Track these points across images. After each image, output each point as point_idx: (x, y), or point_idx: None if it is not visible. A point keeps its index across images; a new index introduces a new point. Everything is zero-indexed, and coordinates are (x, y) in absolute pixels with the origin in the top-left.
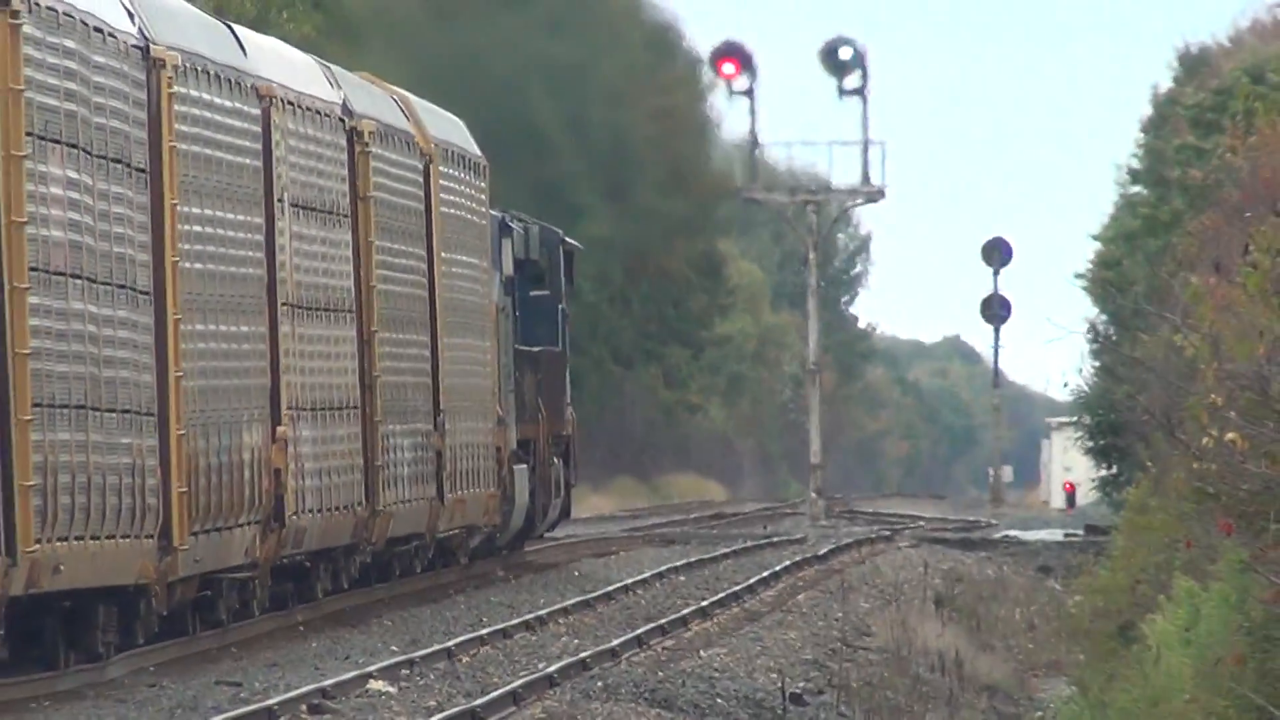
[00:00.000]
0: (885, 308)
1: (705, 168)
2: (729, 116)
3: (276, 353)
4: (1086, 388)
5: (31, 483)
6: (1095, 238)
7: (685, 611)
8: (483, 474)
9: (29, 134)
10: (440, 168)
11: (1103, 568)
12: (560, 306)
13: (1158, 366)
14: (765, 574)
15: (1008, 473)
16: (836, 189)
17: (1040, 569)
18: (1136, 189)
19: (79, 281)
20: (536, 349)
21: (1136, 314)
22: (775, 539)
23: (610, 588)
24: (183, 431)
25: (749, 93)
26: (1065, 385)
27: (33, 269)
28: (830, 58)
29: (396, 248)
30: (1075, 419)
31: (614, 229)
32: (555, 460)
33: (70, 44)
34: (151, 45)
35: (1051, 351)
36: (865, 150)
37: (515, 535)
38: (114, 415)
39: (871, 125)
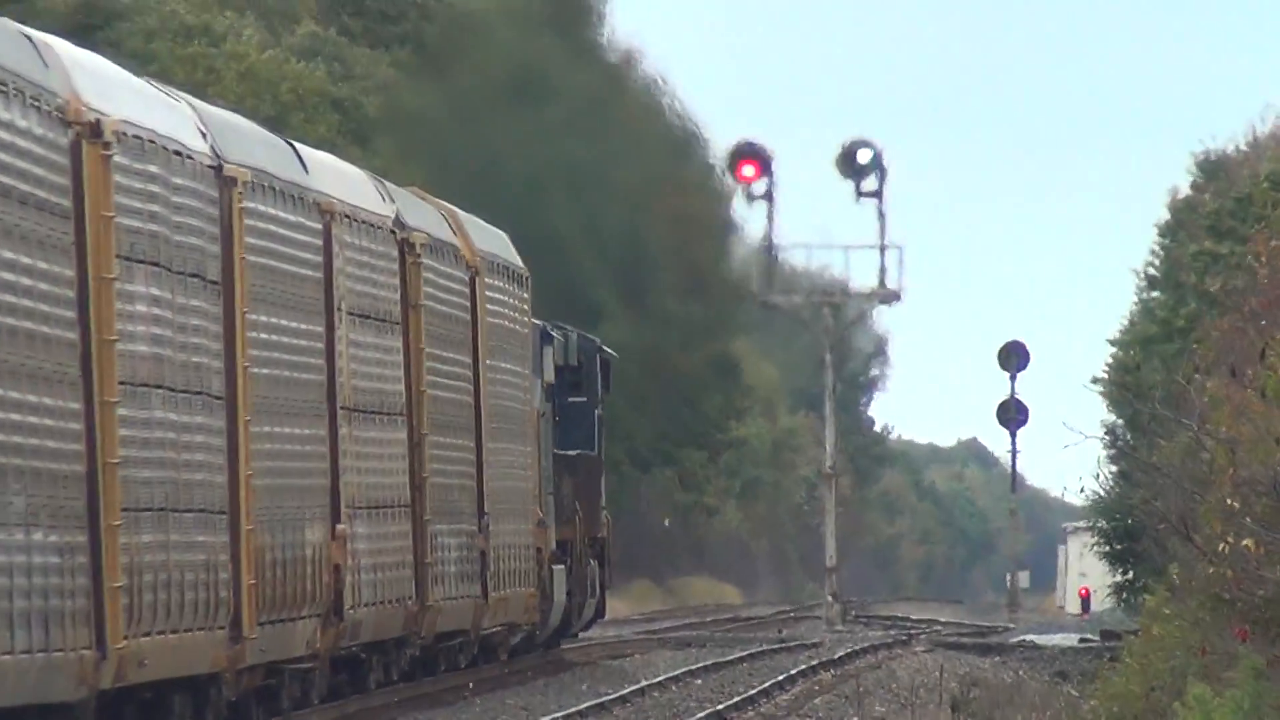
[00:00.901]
0: (902, 410)
1: (723, 272)
2: (747, 219)
3: (336, 454)
4: (1103, 493)
5: (120, 583)
6: (1112, 342)
7: (701, 715)
8: (524, 574)
9: (118, 256)
10: (485, 279)
11: (1118, 673)
12: (597, 413)
13: (1174, 472)
14: (781, 678)
15: (1024, 577)
16: (854, 292)
17: (1056, 674)
18: (1153, 294)
19: (160, 391)
20: (574, 453)
21: (1153, 419)
22: (791, 643)
23: (626, 690)
24: (252, 528)
25: (767, 195)
26: (1082, 490)
27: (121, 383)
28: (848, 161)
29: (445, 355)
30: (1091, 524)
31: (632, 332)
32: (591, 561)
33: (154, 169)
34: (224, 164)
35: (1068, 456)
36: (882, 253)
37: (553, 633)
38: (191, 515)
39: (889, 227)
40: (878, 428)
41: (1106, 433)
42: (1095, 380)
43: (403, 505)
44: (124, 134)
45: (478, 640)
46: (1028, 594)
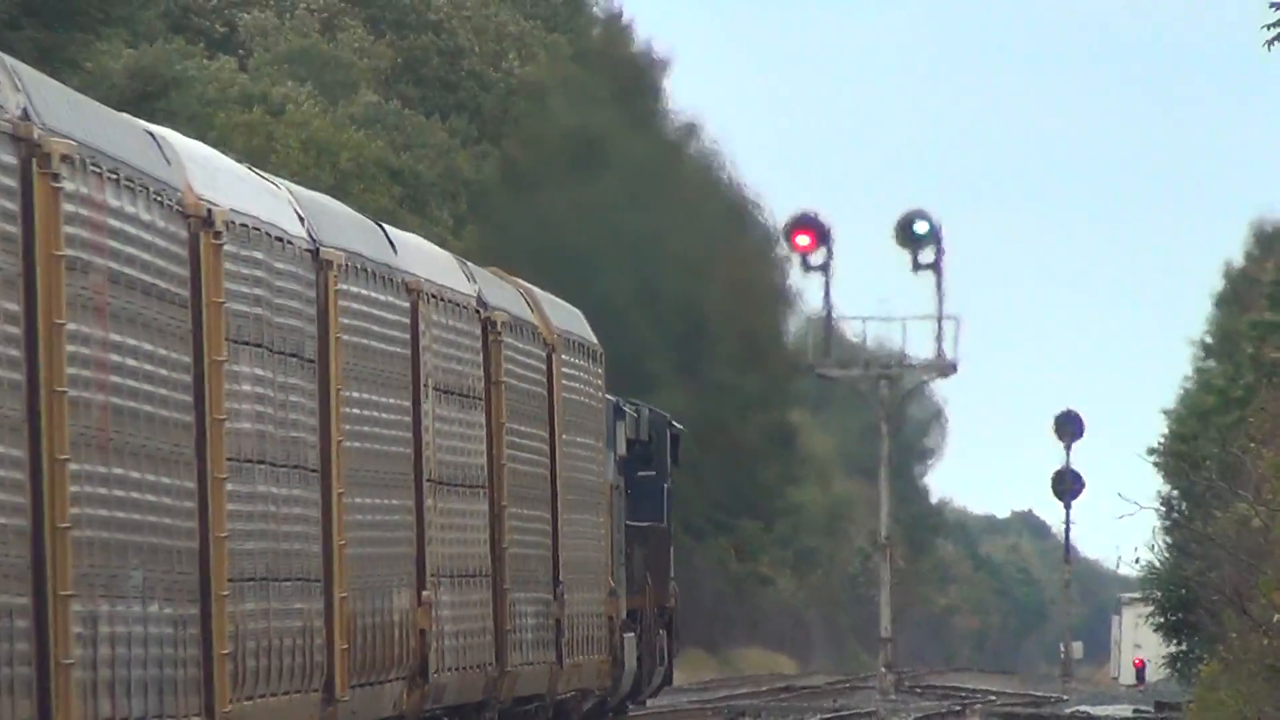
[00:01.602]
0: (958, 481)
1: (779, 342)
2: (804, 289)
3: (422, 524)
4: (1158, 563)
5: (226, 650)
6: (1167, 413)
7: None
8: (596, 641)
9: (226, 339)
10: (561, 355)
11: None
12: (666, 485)
13: (1229, 543)
14: None
15: (1078, 648)
16: (910, 364)
17: None
18: (1210, 364)
19: (263, 466)
20: (645, 525)
21: (1209, 490)
22: (845, 713)
23: None
24: (345, 595)
25: (824, 266)
26: (1136, 561)
27: (228, 459)
28: (905, 232)
29: (524, 429)
30: (1146, 595)
31: (688, 401)
32: (660, 630)
33: (258, 254)
34: (320, 247)
35: (1123, 526)
36: (939, 324)
37: (622, 699)
38: (289, 583)
39: (946, 298)
40: (933, 498)
41: (1162, 503)
42: (1150, 451)
43: (484, 574)
44: (232, 222)
45: (553, 704)
46: (1081, 664)
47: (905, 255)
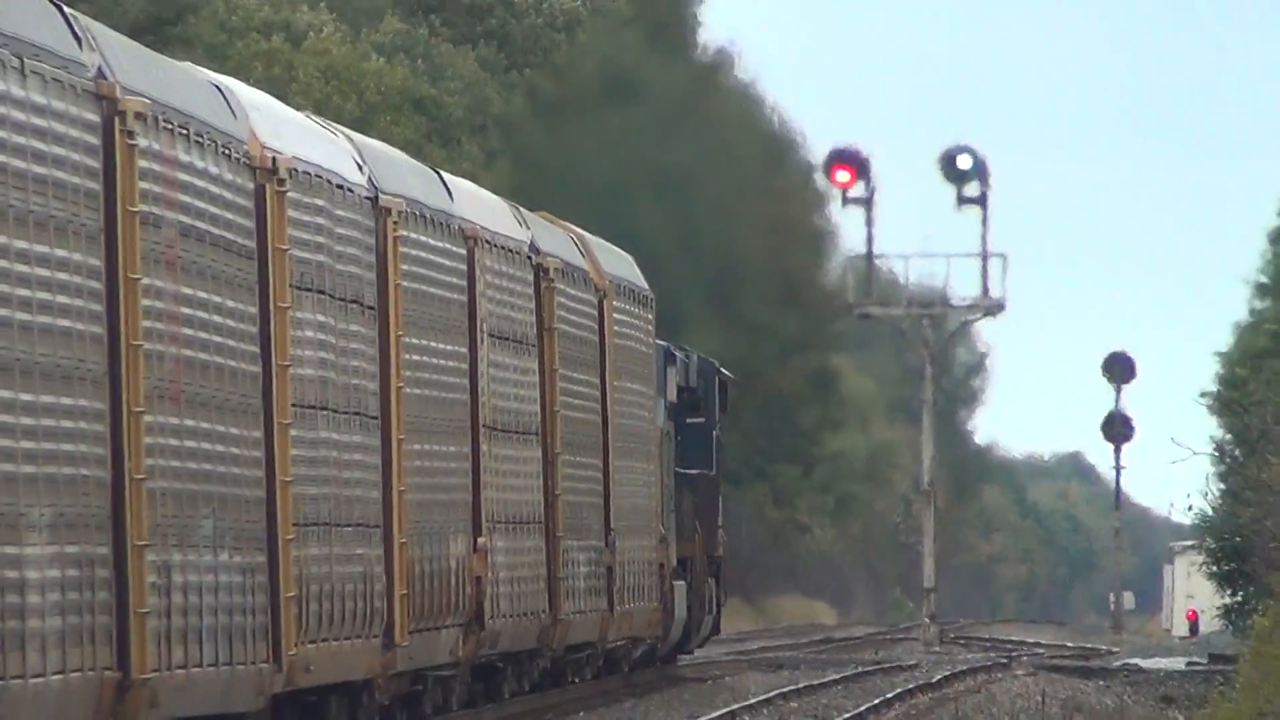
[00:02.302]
0: (1003, 424)
1: (818, 282)
2: (844, 226)
3: (478, 471)
4: (1211, 511)
5: (291, 594)
6: (1220, 355)
7: None
8: (647, 589)
9: (290, 286)
10: (613, 301)
11: (1227, 698)
12: (715, 433)
13: None
14: (877, 701)
15: (1128, 599)
16: (955, 303)
17: (1162, 699)
18: (1264, 304)
19: (325, 412)
20: (694, 472)
21: (1263, 435)
22: (886, 665)
23: (715, 714)
24: (404, 541)
25: (865, 201)
26: (1189, 508)
27: (292, 405)
28: (949, 166)
29: (575, 376)
30: (1199, 543)
31: (722, 344)
32: (709, 579)
33: (320, 202)
34: (380, 195)
35: (1175, 472)
36: (985, 262)
37: (672, 648)
38: (350, 529)
39: (991, 235)
40: (978, 442)
41: (1215, 449)
42: (1203, 394)
43: (537, 521)
44: (295, 170)
45: (603, 653)
46: (1132, 616)
47: (949, 190)
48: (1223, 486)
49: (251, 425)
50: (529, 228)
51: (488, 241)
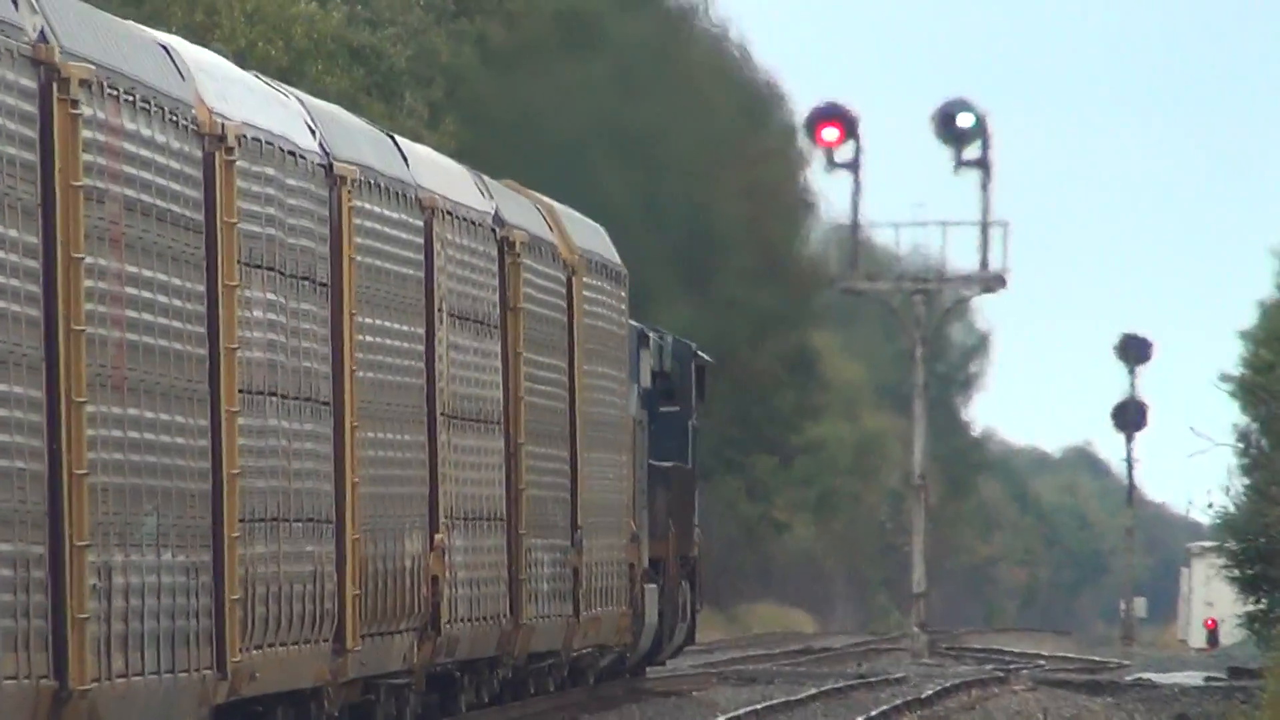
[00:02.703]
0: (1004, 412)
1: (800, 252)
2: (828, 192)
3: (435, 462)
4: (1233, 508)
5: (236, 596)
6: (1245, 335)
7: None
8: (616, 592)
9: (238, 262)
10: (583, 278)
11: (1249, 716)
12: (691, 423)
13: None
14: (860, 719)
15: (1141, 605)
16: (950, 276)
17: (1177, 717)
18: None
19: (274, 399)
20: (668, 465)
21: None
22: (871, 679)
23: None
24: (357, 537)
25: (852, 164)
26: (1209, 505)
27: (240, 391)
28: (946, 125)
29: (542, 360)
30: (1220, 544)
31: (693, 320)
32: (683, 582)
33: (270, 171)
34: (334, 162)
35: (1194, 466)
36: (985, 231)
37: (642, 657)
38: (300, 524)
39: (993, 203)
40: (975, 432)
41: (1238, 439)
42: (1225, 378)
43: (498, 517)
44: (244, 137)
45: (568, 662)
46: (1145, 624)
47: (946, 152)
48: (1246, 481)
49: (197, 413)
50: (492, 197)
51: (447, 212)
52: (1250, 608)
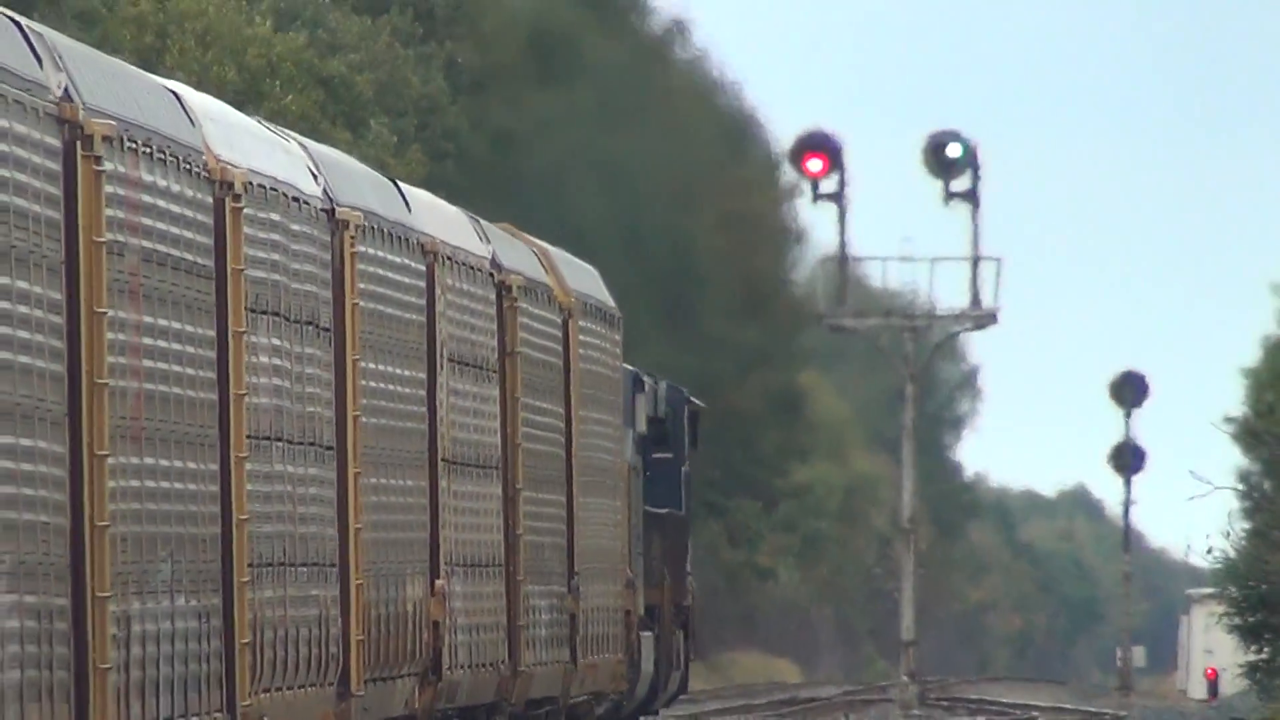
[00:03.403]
0: (995, 453)
1: (785, 287)
2: (813, 225)
3: (436, 507)
4: (1234, 554)
5: (246, 640)
6: (1246, 373)
7: None
8: (612, 639)
9: (245, 309)
10: (579, 321)
11: None
12: (684, 469)
13: None
14: None
15: (1139, 654)
16: (941, 313)
17: None
18: None
19: (280, 444)
20: (663, 512)
21: None
22: None
23: None
24: (361, 582)
25: (837, 196)
26: (1209, 550)
27: (247, 436)
28: (936, 155)
29: (539, 404)
30: (1220, 591)
31: (673, 357)
32: (677, 630)
33: (275, 217)
34: (336, 207)
35: (1194, 509)
36: (975, 267)
37: (637, 706)
38: (305, 569)
39: (983, 237)
40: (966, 474)
41: (1239, 482)
42: (1227, 420)
43: (496, 563)
44: (250, 184)
45: (565, 709)
46: (1143, 674)
47: (935, 184)
48: (1248, 526)
49: (208, 459)
50: (490, 241)
51: (448, 257)
52: (1252, 657)
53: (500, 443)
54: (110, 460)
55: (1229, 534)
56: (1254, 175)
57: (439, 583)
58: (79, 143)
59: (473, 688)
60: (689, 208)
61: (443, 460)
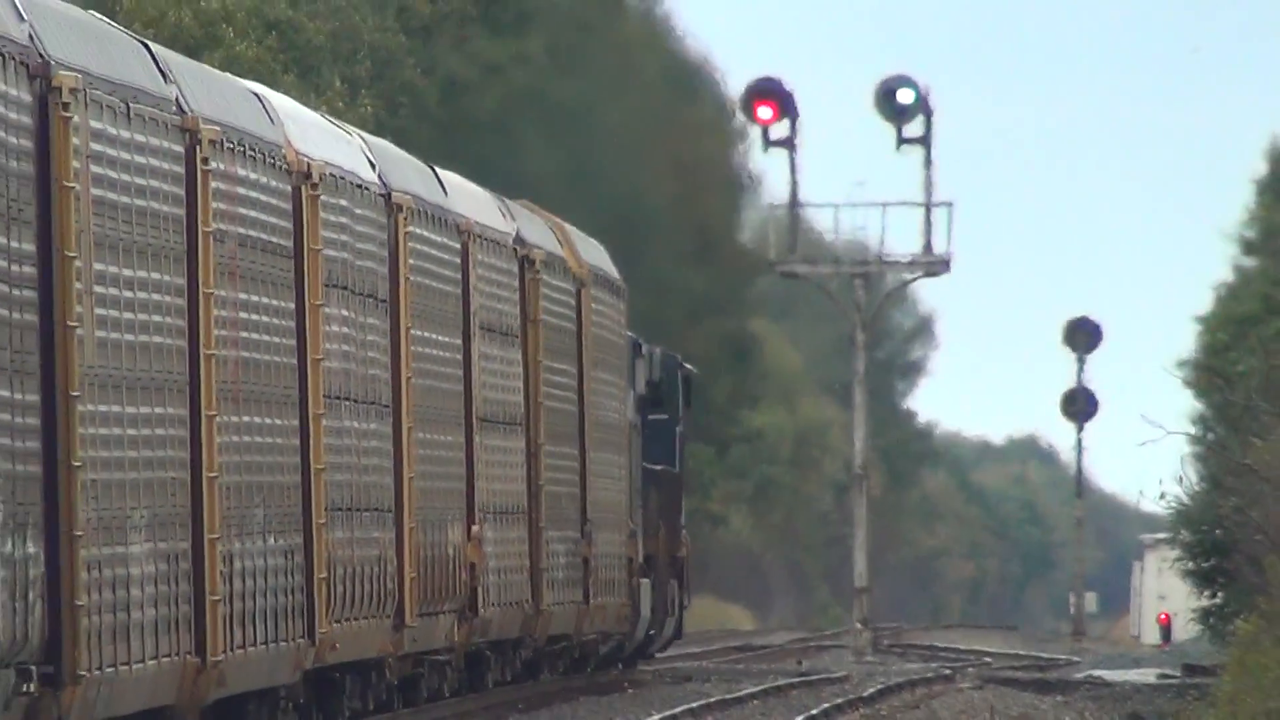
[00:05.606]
0: (948, 401)
1: (735, 234)
2: (765, 171)
3: (471, 460)
4: (1187, 499)
5: (323, 575)
6: (1200, 320)
7: None
8: (617, 584)
9: (321, 283)
10: (591, 291)
11: (1205, 715)
12: (678, 429)
13: (1273, 474)
14: (800, 718)
15: (1091, 600)
16: (891, 259)
17: (1130, 716)
18: (1249, 262)
19: (348, 402)
20: (659, 468)
21: (1248, 412)
22: (811, 677)
23: None
24: (413, 526)
25: (788, 142)
26: (1161, 496)
27: (324, 397)
28: (887, 100)
29: (557, 366)
30: (1173, 536)
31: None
32: (672, 580)
33: (344, 202)
34: (391, 192)
35: (1146, 455)
36: (928, 212)
37: (635, 649)
38: (368, 513)
39: (936, 182)
40: (919, 421)
41: (1193, 427)
42: (1180, 365)
43: (521, 512)
44: (325, 174)
45: (579, 645)
46: (1095, 619)
47: (887, 130)
48: (1201, 471)
49: (290, 416)
50: (514, 219)
51: (479, 235)
52: (1205, 602)
53: (523, 402)
54: (218, 419)
55: (1181, 479)
56: (1208, 121)
57: (475, 528)
58: (197, 148)
59: (502, 624)
60: (638, 153)
61: (477, 418)
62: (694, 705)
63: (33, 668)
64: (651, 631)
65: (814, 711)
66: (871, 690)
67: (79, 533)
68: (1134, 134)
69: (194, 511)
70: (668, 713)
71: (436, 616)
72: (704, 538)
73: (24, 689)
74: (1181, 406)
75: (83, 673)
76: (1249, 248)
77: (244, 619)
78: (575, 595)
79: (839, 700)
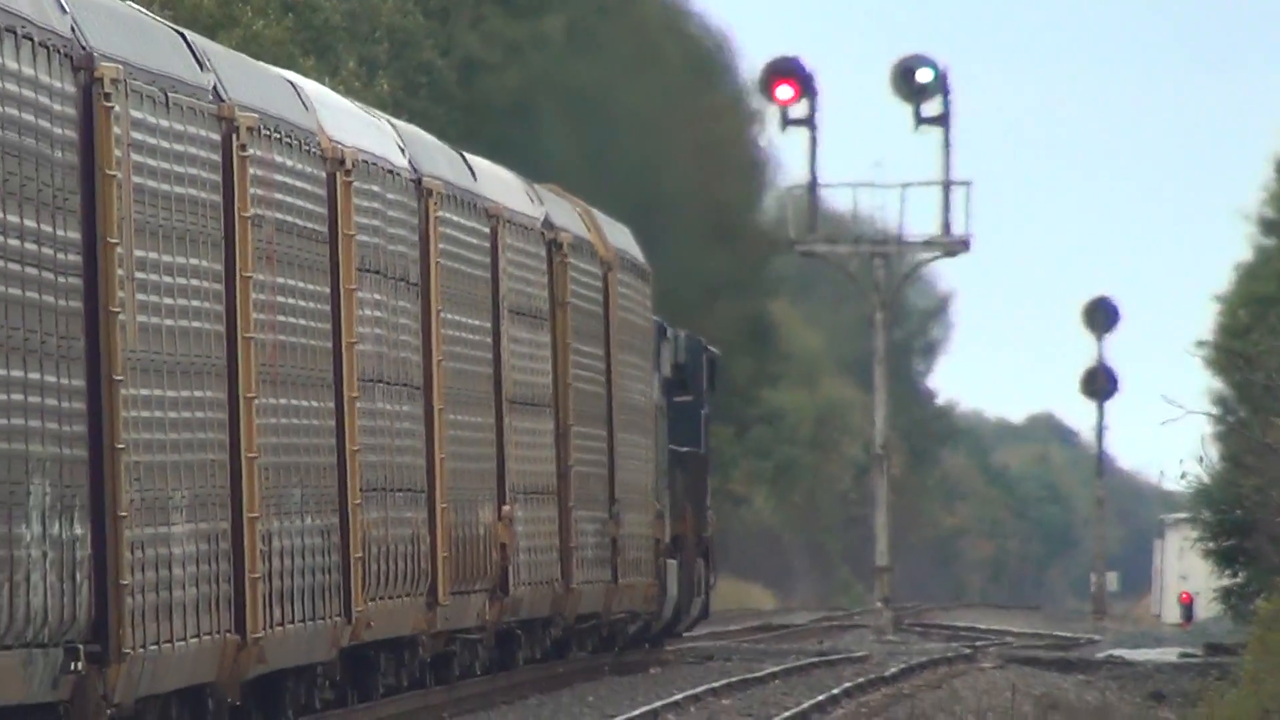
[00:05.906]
0: (968, 380)
1: (755, 215)
2: (784, 152)
3: (502, 441)
4: (1208, 479)
5: (359, 554)
6: (1219, 300)
7: None
8: (644, 564)
9: (354, 268)
10: (617, 274)
11: (1226, 694)
12: (703, 411)
13: None
14: (821, 698)
15: (1112, 579)
16: (910, 239)
17: (1151, 695)
18: (1269, 241)
19: (381, 385)
20: (685, 450)
21: (1268, 392)
22: (833, 657)
23: (636, 712)
24: (445, 506)
25: (808, 122)
26: (1183, 476)
27: (358, 379)
28: (906, 80)
29: (584, 349)
30: (1194, 516)
31: None
32: (698, 560)
33: (376, 188)
34: (422, 178)
35: (1167, 435)
36: (947, 192)
37: (662, 628)
38: (401, 494)
39: (954, 162)
40: (939, 400)
41: (1214, 407)
42: (1199, 344)
43: (551, 492)
44: (358, 160)
45: (607, 624)
46: (1116, 599)
47: (905, 110)
48: (1221, 450)
49: (326, 398)
50: (542, 204)
51: (508, 220)
52: (1226, 582)
53: (552, 384)
54: (256, 401)
55: (1202, 459)
56: (1228, 100)
57: (505, 509)
58: (234, 135)
59: (533, 603)
60: (657, 135)
61: (506, 399)
62: (717, 684)
63: (80, 646)
64: (679, 611)
65: (835, 691)
66: (893, 670)
67: (123, 514)
68: (1153, 113)
69: (233, 492)
70: (691, 691)
71: (468, 595)
72: (725, 518)
73: (72, 667)
74: (1201, 385)
75: (127, 650)
76: (1268, 227)
77: (282, 597)
78: (604, 575)
79: (860, 680)
